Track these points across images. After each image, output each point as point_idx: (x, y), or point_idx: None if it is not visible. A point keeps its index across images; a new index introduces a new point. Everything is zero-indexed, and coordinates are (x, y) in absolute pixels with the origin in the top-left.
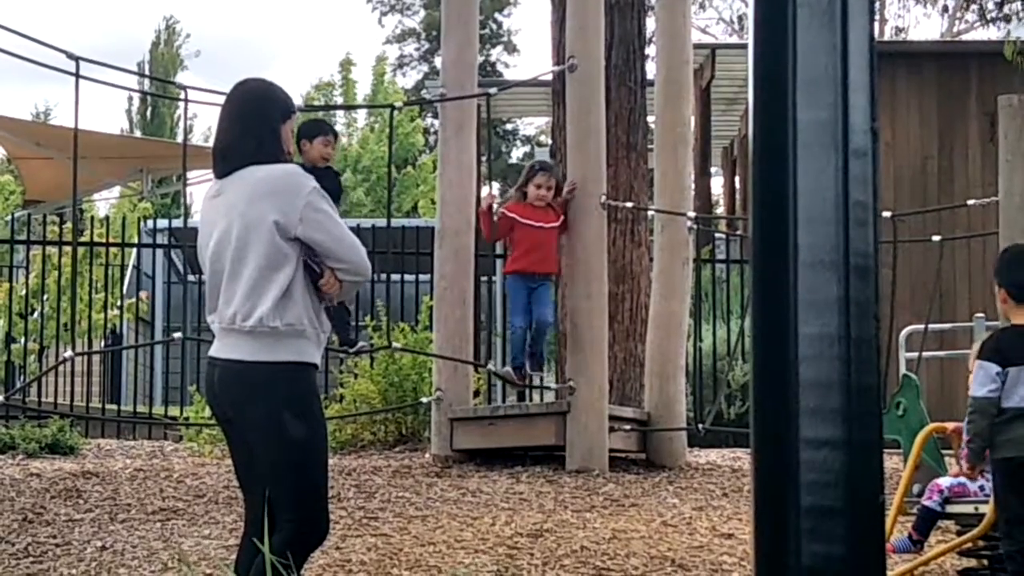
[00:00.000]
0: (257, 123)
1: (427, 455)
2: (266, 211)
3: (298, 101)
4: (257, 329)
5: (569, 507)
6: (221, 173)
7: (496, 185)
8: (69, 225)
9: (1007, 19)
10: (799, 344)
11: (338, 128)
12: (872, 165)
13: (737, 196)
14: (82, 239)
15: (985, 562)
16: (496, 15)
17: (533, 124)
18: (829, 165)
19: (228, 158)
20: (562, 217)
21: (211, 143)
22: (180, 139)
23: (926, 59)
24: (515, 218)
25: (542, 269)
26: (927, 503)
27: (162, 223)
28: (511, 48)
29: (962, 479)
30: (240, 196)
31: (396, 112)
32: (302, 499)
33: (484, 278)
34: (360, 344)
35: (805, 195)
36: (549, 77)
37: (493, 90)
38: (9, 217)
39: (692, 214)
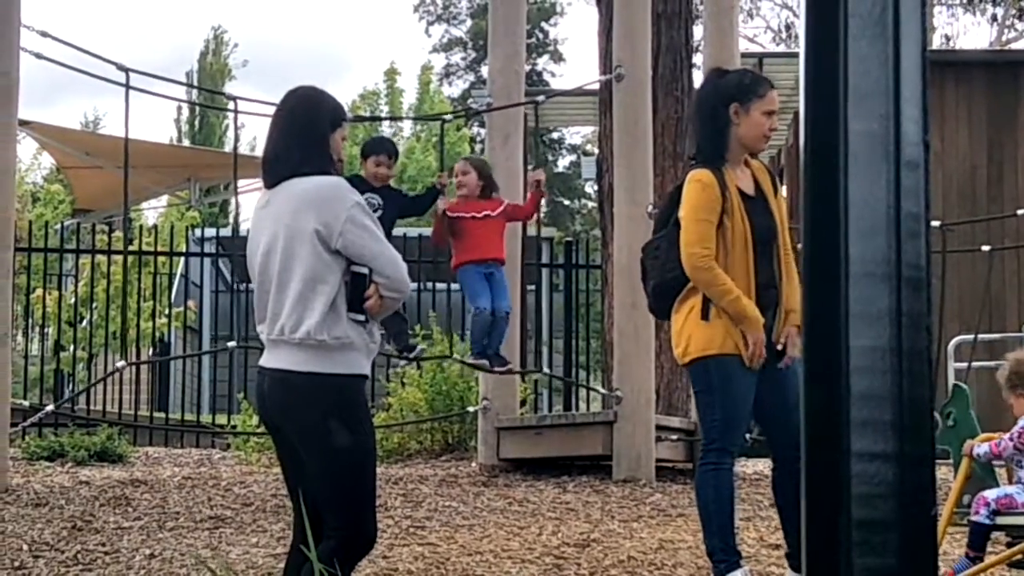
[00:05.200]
0: (305, 133)
1: (474, 464)
2: (308, 222)
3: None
4: (305, 341)
5: (616, 517)
6: (269, 184)
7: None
8: (118, 234)
9: None
10: (850, 356)
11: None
12: (924, 177)
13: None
14: (131, 248)
15: None
16: (543, 24)
17: (579, 133)
18: (881, 176)
19: (275, 169)
20: (503, 204)
21: (258, 152)
22: (228, 148)
23: (975, 68)
24: (455, 215)
25: (488, 256)
26: (975, 518)
27: (210, 232)
28: (558, 57)
29: (1007, 489)
30: (285, 207)
31: (445, 123)
32: (348, 508)
33: (531, 287)
34: (419, 349)
35: (856, 206)
36: (596, 86)
37: (540, 99)
38: (59, 226)
39: None
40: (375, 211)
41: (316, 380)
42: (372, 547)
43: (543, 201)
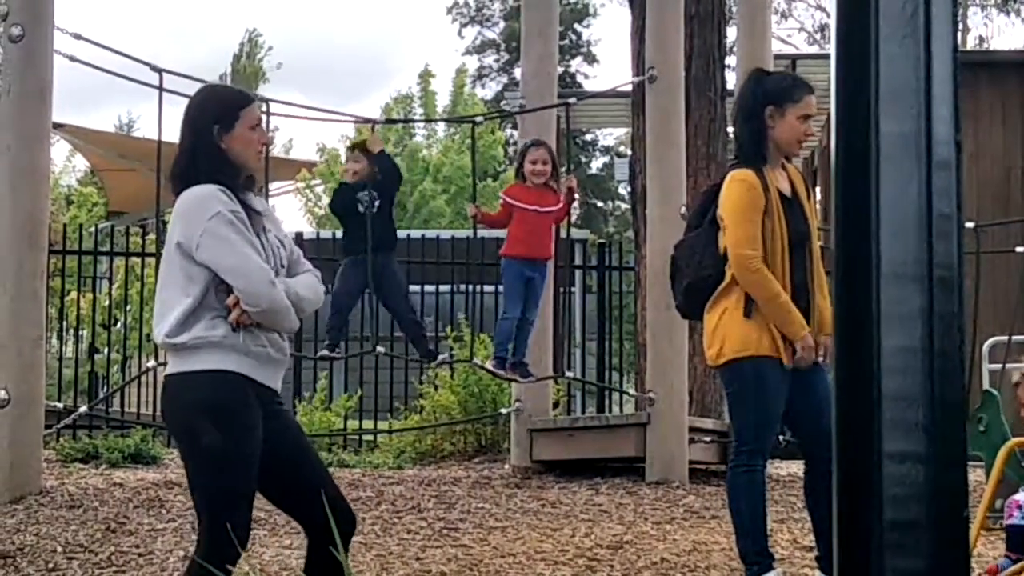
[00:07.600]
0: (190, 140)
1: (506, 466)
2: (174, 235)
3: (377, 114)
4: (166, 344)
5: (649, 519)
6: (174, 194)
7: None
8: (152, 236)
9: None
10: (882, 357)
11: (418, 139)
12: (956, 177)
13: (818, 207)
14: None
15: None
16: (576, 26)
17: (612, 135)
18: (912, 177)
19: (171, 180)
20: (561, 203)
21: (293, 155)
22: None
23: (1009, 69)
24: (513, 203)
25: (537, 255)
26: (1010, 522)
27: None
28: (591, 59)
29: None
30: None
31: (477, 125)
32: (214, 508)
33: (562, 289)
34: (441, 357)
35: (888, 207)
36: (629, 88)
37: (572, 101)
38: (93, 229)
39: None
40: (371, 205)
41: (179, 380)
42: (238, 555)
43: (574, 205)
